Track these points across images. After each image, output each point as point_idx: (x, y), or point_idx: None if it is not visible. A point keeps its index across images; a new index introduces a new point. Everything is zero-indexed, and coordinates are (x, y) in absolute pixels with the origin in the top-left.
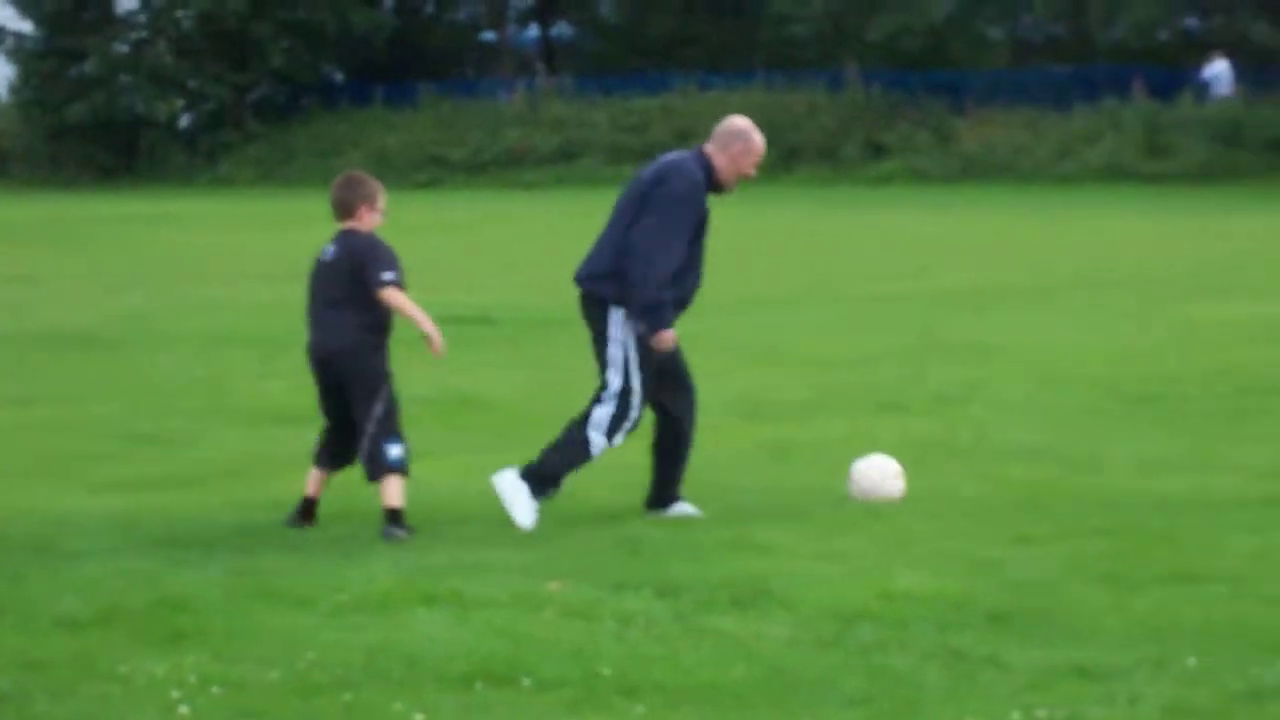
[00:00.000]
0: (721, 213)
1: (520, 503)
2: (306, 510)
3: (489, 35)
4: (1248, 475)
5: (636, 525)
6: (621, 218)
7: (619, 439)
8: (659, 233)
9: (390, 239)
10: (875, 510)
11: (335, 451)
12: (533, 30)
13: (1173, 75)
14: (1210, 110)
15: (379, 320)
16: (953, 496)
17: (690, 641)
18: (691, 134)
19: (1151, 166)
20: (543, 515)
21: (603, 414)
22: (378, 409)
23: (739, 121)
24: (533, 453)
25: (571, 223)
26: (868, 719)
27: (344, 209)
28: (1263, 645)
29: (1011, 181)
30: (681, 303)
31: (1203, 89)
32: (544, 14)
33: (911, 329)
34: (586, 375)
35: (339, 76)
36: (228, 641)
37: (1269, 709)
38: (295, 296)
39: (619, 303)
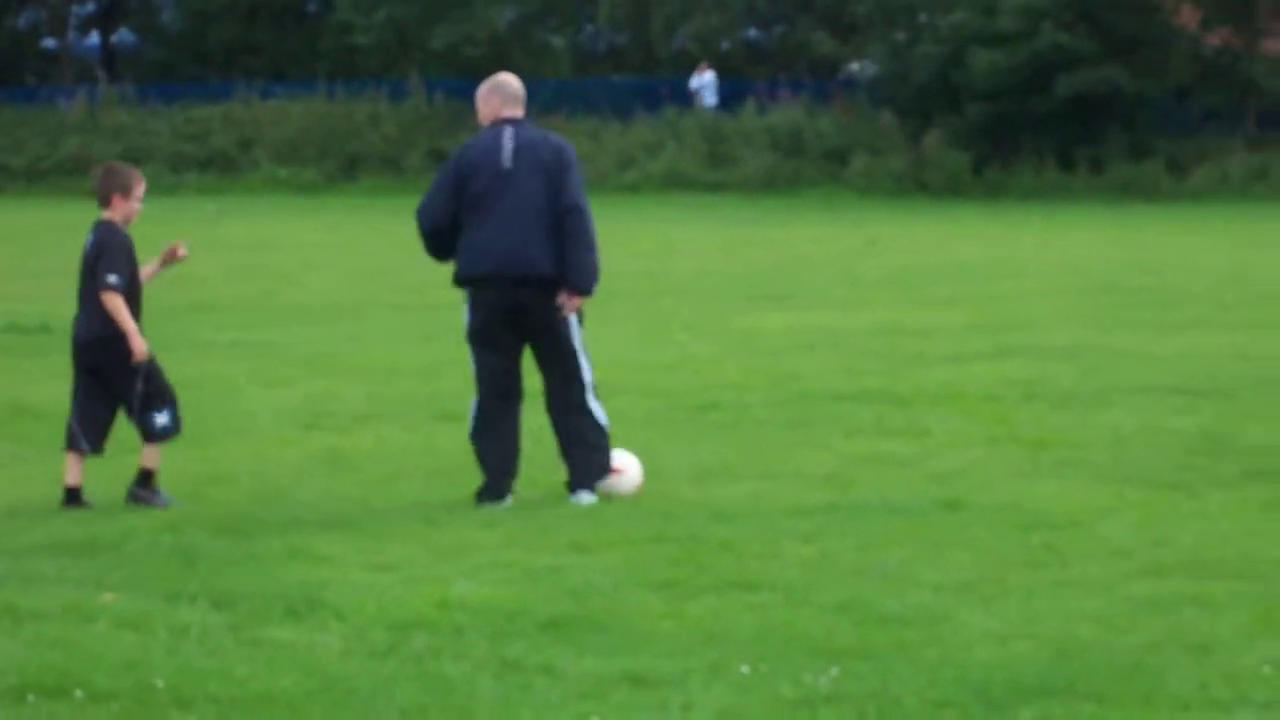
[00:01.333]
0: (284, 224)
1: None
2: (73, 497)
3: (50, 42)
4: (805, 483)
5: (193, 535)
6: (532, 202)
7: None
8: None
9: None
10: (432, 519)
11: (90, 433)
12: (94, 38)
13: (735, 85)
14: (773, 119)
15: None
16: (509, 505)
17: (244, 652)
18: (254, 142)
19: (713, 176)
20: (96, 524)
21: (599, 409)
22: (139, 386)
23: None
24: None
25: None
26: None
27: (100, 199)
28: (816, 652)
29: None
30: None
31: (692, 98)
32: (105, 21)
33: None
34: None
35: None
36: None
37: (821, 715)
38: None
39: (563, 281)
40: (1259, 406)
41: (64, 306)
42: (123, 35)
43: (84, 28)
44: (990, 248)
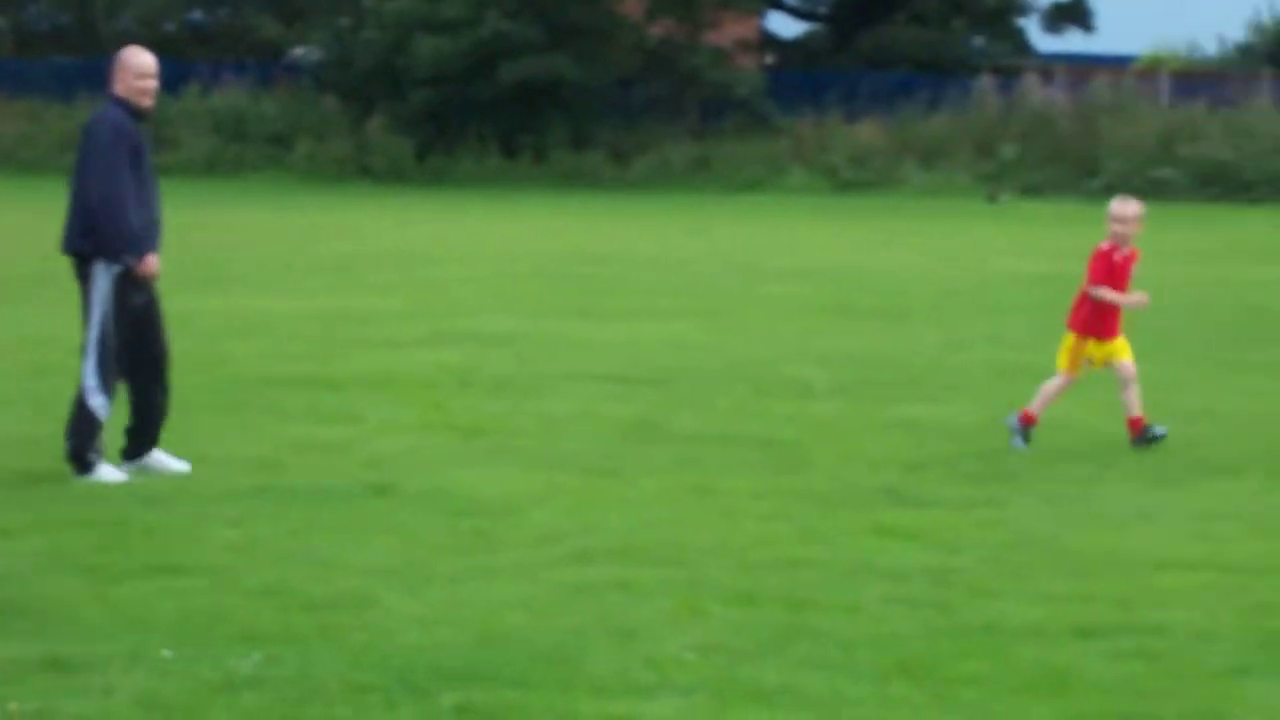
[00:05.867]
0: None
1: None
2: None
3: None
4: (237, 467)
5: None
6: (74, 180)
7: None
8: (105, 173)
9: None
10: None
11: None
12: None
13: (179, 68)
14: (216, 102)
15: None
16: None
17: None
18: None
19: (154, 158)
20: None
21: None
22: None
23: (119, 52)
24: None
25: None
26: None
27: None
28: (238, 637)
29: (14, 172)
30: (154, 223)
31: None
32: None
33: None
34: None
35: None
36: None
37: (242, 699)
38: None
39: (98, 255)
40: (692, 394)
41: None
42: None
43: None
44: (432, 234)
